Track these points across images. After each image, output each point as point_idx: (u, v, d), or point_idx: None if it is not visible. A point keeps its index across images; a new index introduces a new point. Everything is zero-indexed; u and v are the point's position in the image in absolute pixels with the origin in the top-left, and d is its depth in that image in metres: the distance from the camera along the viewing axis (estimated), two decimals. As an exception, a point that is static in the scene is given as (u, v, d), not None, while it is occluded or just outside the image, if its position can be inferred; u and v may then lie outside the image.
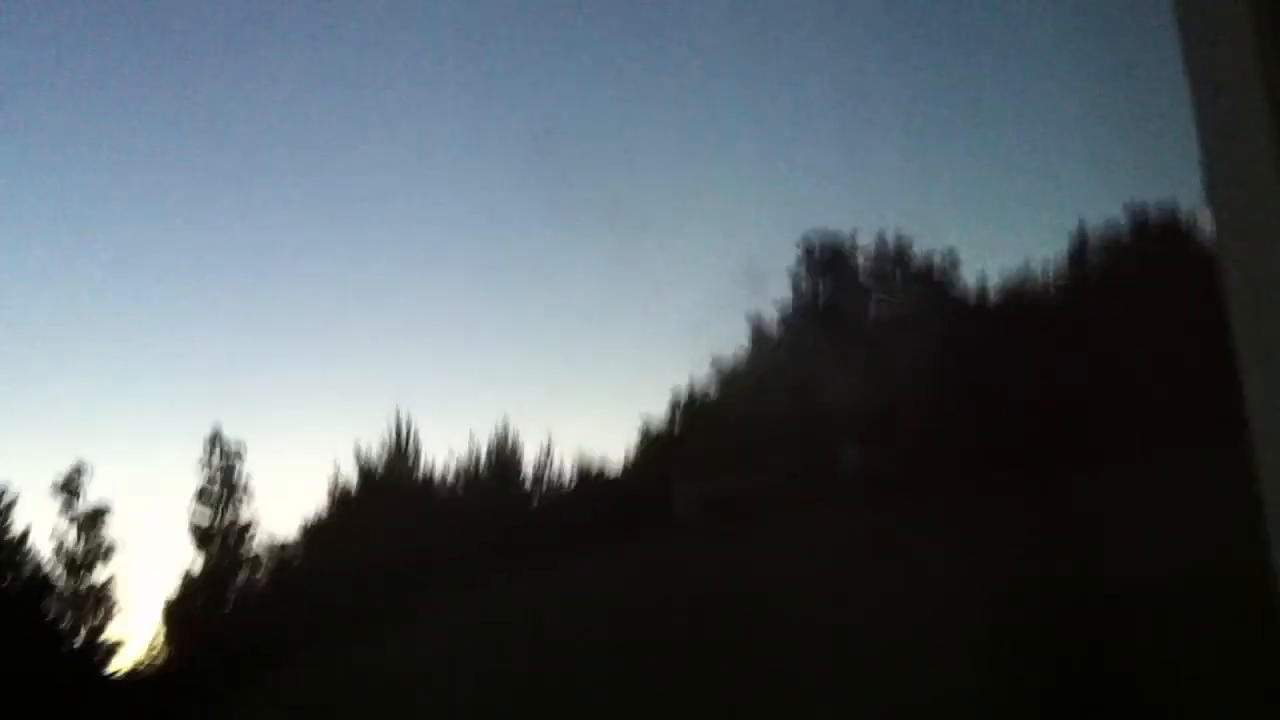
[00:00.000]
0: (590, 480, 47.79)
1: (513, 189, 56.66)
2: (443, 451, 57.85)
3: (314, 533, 47.06)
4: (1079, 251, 38.53)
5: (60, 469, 45.14)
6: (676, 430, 46.69)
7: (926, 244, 42.87)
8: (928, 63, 45.17)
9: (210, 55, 54.83)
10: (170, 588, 48.36)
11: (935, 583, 17.80)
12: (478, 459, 47.11)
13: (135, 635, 52.27)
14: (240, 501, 47.59)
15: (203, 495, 47.09)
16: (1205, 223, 35.73)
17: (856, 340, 39.41)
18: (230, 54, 54.10)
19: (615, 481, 46.57)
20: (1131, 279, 34.93)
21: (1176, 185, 39.58)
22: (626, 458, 50.12)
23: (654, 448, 47.91)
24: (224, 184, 57.46)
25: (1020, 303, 38.04)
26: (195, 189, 58.65)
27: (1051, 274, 38.88)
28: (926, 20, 42.08)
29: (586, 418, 70.92)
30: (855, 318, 42.34)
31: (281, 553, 48.04)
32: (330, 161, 58.75)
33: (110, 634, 45.09)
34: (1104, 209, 38.73)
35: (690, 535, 35.36)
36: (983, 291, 41.25)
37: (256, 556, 47.84)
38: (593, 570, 29.73)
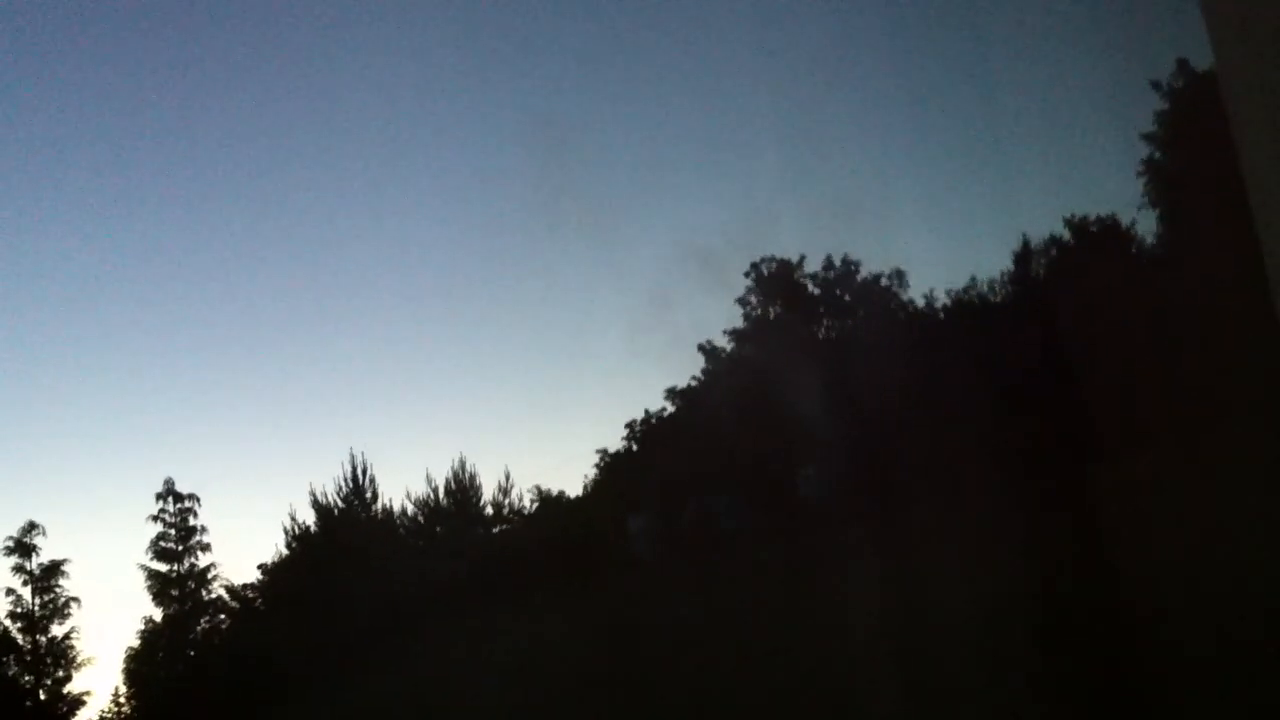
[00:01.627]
0: (549, 512, 47.94)
1: (466, 226, 57.03)
2: (399, 490, 57.94)
3: (274, 575, 46.93)
4: (1022, 264, 39.13)
5: (12, 529, 45.08)
6: (632, 461, 46.89)
7: (874, 264, 43.48)
8: (869, 86, 45.91)
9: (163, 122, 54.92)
10: (131, 638, 48.24)
11: (908, 596, 18.09)
12: (436, 495, 47.19)
13: (98, 687, 51.95)
14: (197, 550, 47.50)
15: (159, 545, 46.94)
16: (1143, 231, 36.48)
17: (808, 361, 39.71)
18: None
19: (574, 511, 46.70)
20: (1074, 287, 35.51)
21: (1114, 197, 40.51)
22: (585, 488, 50.37)
23: (610, 478, 48.12)
24: (172, 233, 57.47)
25: (967, 315, 38.55)
26: (142, 238, 58.57)
27: (997, 287, 39.52)
28: (872, 46, 42.81)
29: (543, 451, 71.22)
30: (805, 338, 42.65)
31: (241, 597, 47.89)
32: (282, 208, 58.91)
33: (73, 687, 44.94)
34: (1046, 223, 39.49)
35: (646, 569, 35.47)
36: (930, 307, 41.83)
37: (217, 600, 47.77)
38: (556, 606, 29.86)
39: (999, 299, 39.48)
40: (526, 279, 58.93)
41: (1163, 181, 34.76)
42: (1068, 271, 37.66)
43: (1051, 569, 15.38)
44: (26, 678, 43.94)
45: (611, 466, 48.85)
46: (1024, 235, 38.71)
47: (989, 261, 50.51)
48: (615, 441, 49.57)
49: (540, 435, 62.84)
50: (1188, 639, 10.88)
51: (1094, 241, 38.47)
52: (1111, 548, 15.11)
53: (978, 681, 12.89)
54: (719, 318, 48.09)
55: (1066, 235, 39.11)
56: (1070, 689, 11.25)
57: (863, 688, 14.46)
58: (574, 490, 50.82)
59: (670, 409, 46.89)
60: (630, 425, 48.62)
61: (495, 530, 47.36)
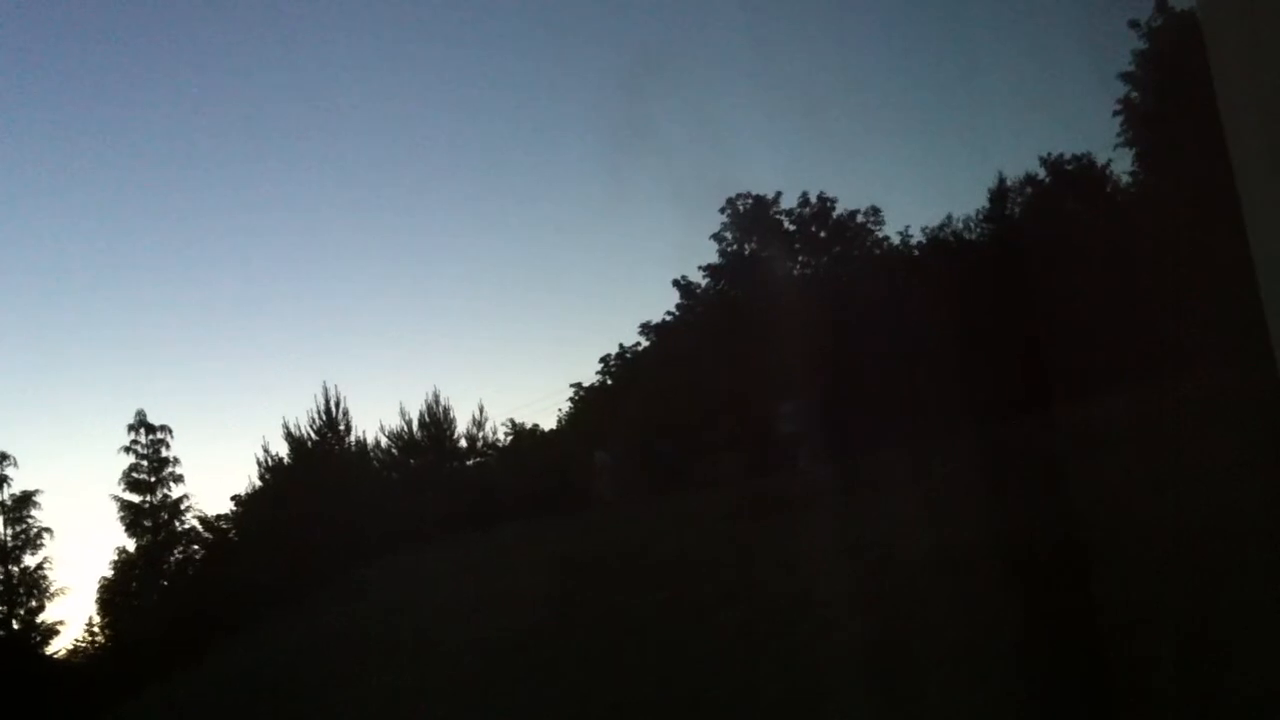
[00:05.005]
0: (523, 446, 48.13)
1: (437, 157, 56.61)
2: (374, 423, 57.95)
3: (247, 506, 47.04)
4: (998, 202, 39.21)
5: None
6: (606, 396, 47.02)
7: (850, 201, 43.48)
8: (844, 24, 45.62)
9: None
10: (105, 568, 48.33)
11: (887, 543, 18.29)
12: (411, 428, 47.29)
13: (72, 617, 52.16)
14: (170, 481, 47.51)
15: (131, 476, 46.94)
16: (1119, 171, 36.57)
17: (784, 297, 39.74)
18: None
19: (547, 445, 46.89)
20: (1049, 226, 35.63)
21: (1091, 137, 40.57)
22: (560, 422, 50.57)
23: (584, 412, 48.28)
24: (143, 167, 56.84)
25: (942, 252, 38.63)
26: (114, 177, 57.95)
27: (973, 225, 39.61)
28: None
29: (518, 386, 71.32)
30: (781, 275, 42.67)
31: (215, 527, 48.00)
32: (249, 143, 58.24)
33: (46, 617, 45.04)
34: (1022, 161, 39.60)
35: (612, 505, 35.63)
36: (905, 244, 41.92)
37: (190, 531, 47.83)
38: (523, 538, 30.08)
39: (974, 237, 39.57)
40: (503, 207, 58.64)
41: (1139, 121, 34.77)
42: (1043, 210, 37.80)
43: (1011, 513, 15.51)
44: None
45: (585, 401, 49.00)
46: (999, 173, 38.74)
47: (965, 200, 50.48)
48: (590, 375, 49.75)
49: (517, 368, 62.92)
50: (1142, 590, 11.01)
51: (1070, 180, 38.58)
52: (1073, 492, 15.23)
53: (933, 619, 13.04)
54: (695, 253, 48.12)
55: (1042, 174, 39.22)
56: (1024, 629, 11.40)
57: (814, 629, 14.62)
58: (549, 424, 51.09)
59: (645, 344, 46.97)
60: (605, 360, 48.75)
61: (469, 463, 47.51)
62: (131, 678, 32.85)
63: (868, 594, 15.12)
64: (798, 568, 18.04)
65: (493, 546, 30.68)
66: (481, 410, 48.92)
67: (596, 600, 20.44)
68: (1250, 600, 10.00)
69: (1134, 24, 33.65)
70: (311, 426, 46.13)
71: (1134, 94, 35.07)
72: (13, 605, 44.16)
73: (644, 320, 46.75)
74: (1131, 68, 34.61)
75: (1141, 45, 33.96)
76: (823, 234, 43.57)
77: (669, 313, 45.57)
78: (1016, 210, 39.08)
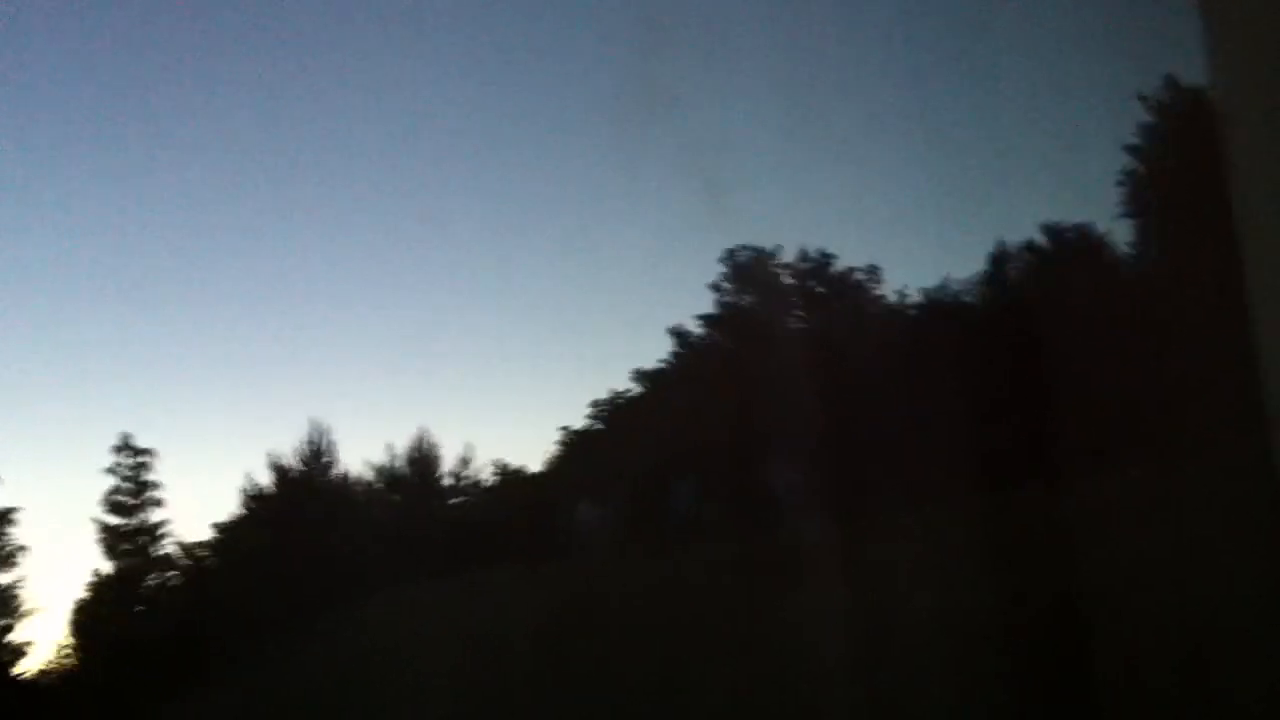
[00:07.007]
0: (508, 486, 47.79)
1: (433, 196, 56.49)
2: (358, 460, 57.55)
3: (227, 535, 46.67)
4: (998, 268, 39.10)
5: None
6: (597, 442, 46.70)
7: (848, 259, 43.33)
8: (852, 84, 45.63)
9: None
10: (79, 590, 47.83)
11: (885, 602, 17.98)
12: (395, 464, 47.05)
13: (43, 637, 51.45)
14: (151, 505, 47.08)
15: (112, 499, 46.54)
16: (1120, 241, 36.46)
17: (779, 352, 39.56)
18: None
19: (532, 487, 46.54)
20: (1048, 293, 35.50)
21: (1093, 205, 40.45)
22: (548, 464, 50.12)
23: (573, 455, 47.91)
24: (137, 190, 56.69)
25: (940, 314, 38.50)
26: (100, 196, 57.76)
27: (971, 289, 39.46)
28: (851, 43, 42.52)
29: (506, 427, 70.91)
30: (778, 329, 42.53)
31: (194, 555, 47.56)
32: (241, 172, 58.14)
33: (17, 636, 44.51)
34: (1022, 228, 39.42)
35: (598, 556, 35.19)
36: (903, 303, 41.73)
37: (167, 557, 47.38)
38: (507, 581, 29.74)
39: (972, 301, 39.41)
40: (494, 246, 58.35)
41: (1143, 193, 34.72)
42: (1042, 277, 37.65)
43: (1000, 584, 15.22)
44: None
45: (575, 444, 48.65)
46: (999, 239, 38.65)
47: (964, 263, 50.33)
48: (579, 419, 49.35)
49: (505, 408, 62.36)
50: (1140, 660, 10.72)
51: (1070, 248, 38.46)
52: (1067, 565, 14.95)
53: (920, 688, 12.73)
54: (689, 302, 47.83)
55: (1043, 241, 39.09)
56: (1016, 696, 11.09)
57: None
58: (536, 465, 50.62)
59: (637, 390, 46.70)
60: (595, 404, 48.44)
61: (452, 502, 47.19)
62: (97, 704, 32.50)
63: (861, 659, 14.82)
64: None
65: (471, 589, 30.34)
66: (468, 448, 48.55)
67: (569, 652, 20.12)
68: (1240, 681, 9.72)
69: (1142, 97, 33.64)
70: (297, 458, 45.87)
71: (1139, 166, 35.04)
72: (-17, 623, 43.67)
73: (636, 366, 46.55)
74: (1137, 140, 34.60)
75: (1148, 118, 33.96)
76: (820, 290, 43.41)
77: (663, 360, 45.36)
78: (1016, 275, 38.98)
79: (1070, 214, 38.42)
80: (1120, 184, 35.50)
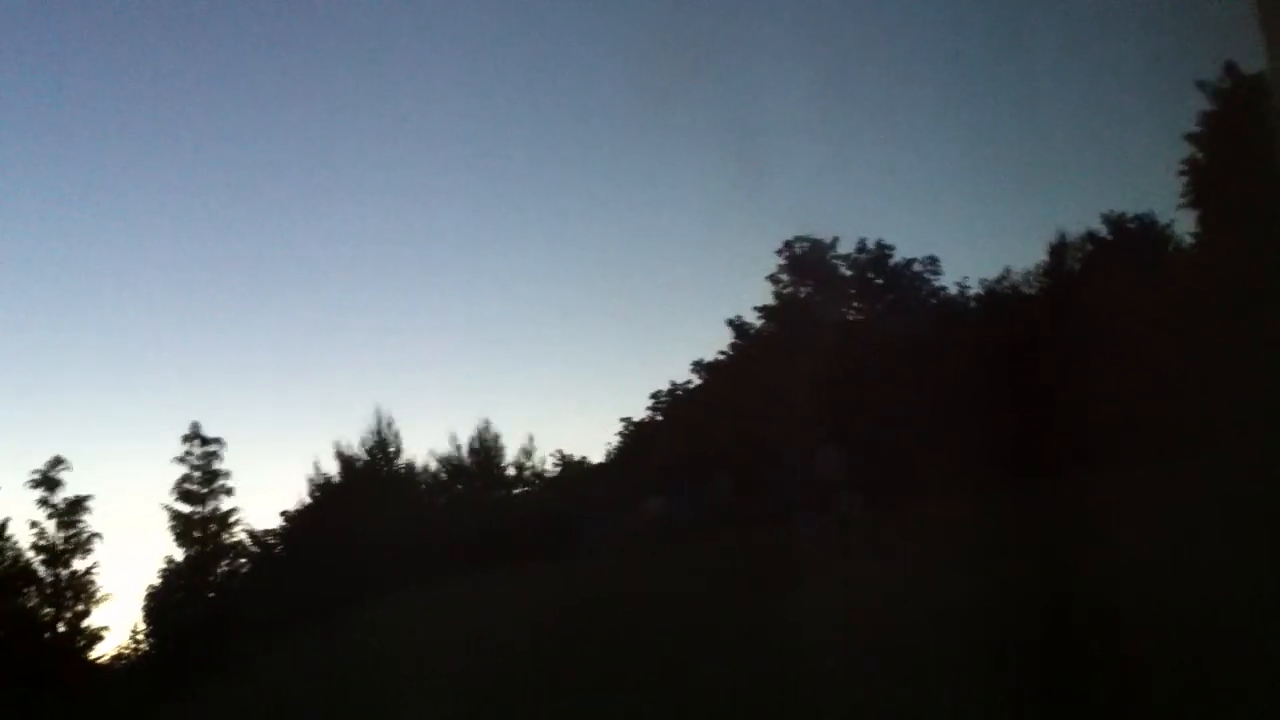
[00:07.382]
0: (570, 476, 48.22)
1: (494, 190, 57.11)
2: (423, 447, 58.39)
3: (295, 523, 47.41)
4: (1057, 257, 38.86)
5: (39, 463, 45.60)
6: (656, 431, 46.95)
7: (908, 250, 43.24)
8: (913, 74, 45.55)
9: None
10: (152, 577, 48.86)
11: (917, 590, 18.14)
12: (460, 453, 47.58)
13: (116, 624, 52.65)
14: (220, 493, 47.95)
15: (183, 487, 47.45)
16: (1180, 231, 36.15)
17: (836, 343, 39.52)
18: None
19: (593, 478, 46.86)
20: (1108, 284, 35.20)
21: (1152, 196, 40.14)
22: (608, 455, 50.50)
23: (633, 446, 48.21)
24: (205, 185, 57.92)
25: (998, 306, 38.30)
26: (178, 190, 59.05)
27: (1031, 279, 39.27)
28: (913, 32, 42.48)
29: (569, 418, 71.45)
30: (835, 320, 42.49)
31: (263, 542, 48.43)
32: (308, 167, 59.13)
33: (91, 622, 45.63)
34: (1083, 219, 39.20)
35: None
36: (962, 295, 41.60)
37: (238, 544, 48.27)
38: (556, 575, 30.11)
39: (1032, 292, 39.22)
40: (560, 238, 58.98)
41: (1203, 182, 34.39)
42: (1102, 268, 37.36)
43: (1041, 573, 15.35)
44: (46, 610, 44.60)
45: (635, 435, 48.95)
46: (1059, 229, 38.47)
47: (1024, 254, 50.09)
48: (640, 410, 49.69)
49: (567, 399, 62.95)
50: (1156, 652, 10.89)
51: (1130, 239, 38.16)
52: (1112, 556, 15.04)
53: (941, 678, 12.94)
54: (748, 294, 47.97)
55: (1104, 231, 38.87)
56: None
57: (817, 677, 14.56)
58: (597, 457, 51.02)
59: (696, 381, 46.93)
60: (656, 395, 48.71)
61: (516, 492, 47.62)
62: (167, 688, 33.25)
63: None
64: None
65: (531, 580, 30.73)
66: (531, 439, 48.99)
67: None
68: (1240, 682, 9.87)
69: (1201, 85, 33.35)
70: (362, 447, 46.57)
71: (1199, 154, 34.73)
72: (60, 608, 44.75)
73: (697, 359, 46.81)
74: (1197, 128, 34.30)
75: (1208, 106, 33.65)
76: (879, 281, 43.35)
77: (722, 352, 45.52)
78: (1076, 266, 38.71)
79: (1132, 204, 38.24)
80: (1182, 173, 35.24)
